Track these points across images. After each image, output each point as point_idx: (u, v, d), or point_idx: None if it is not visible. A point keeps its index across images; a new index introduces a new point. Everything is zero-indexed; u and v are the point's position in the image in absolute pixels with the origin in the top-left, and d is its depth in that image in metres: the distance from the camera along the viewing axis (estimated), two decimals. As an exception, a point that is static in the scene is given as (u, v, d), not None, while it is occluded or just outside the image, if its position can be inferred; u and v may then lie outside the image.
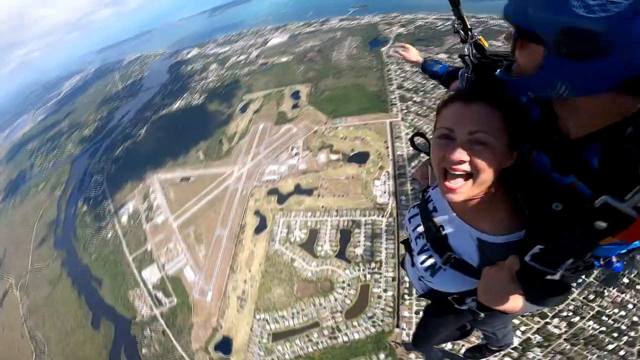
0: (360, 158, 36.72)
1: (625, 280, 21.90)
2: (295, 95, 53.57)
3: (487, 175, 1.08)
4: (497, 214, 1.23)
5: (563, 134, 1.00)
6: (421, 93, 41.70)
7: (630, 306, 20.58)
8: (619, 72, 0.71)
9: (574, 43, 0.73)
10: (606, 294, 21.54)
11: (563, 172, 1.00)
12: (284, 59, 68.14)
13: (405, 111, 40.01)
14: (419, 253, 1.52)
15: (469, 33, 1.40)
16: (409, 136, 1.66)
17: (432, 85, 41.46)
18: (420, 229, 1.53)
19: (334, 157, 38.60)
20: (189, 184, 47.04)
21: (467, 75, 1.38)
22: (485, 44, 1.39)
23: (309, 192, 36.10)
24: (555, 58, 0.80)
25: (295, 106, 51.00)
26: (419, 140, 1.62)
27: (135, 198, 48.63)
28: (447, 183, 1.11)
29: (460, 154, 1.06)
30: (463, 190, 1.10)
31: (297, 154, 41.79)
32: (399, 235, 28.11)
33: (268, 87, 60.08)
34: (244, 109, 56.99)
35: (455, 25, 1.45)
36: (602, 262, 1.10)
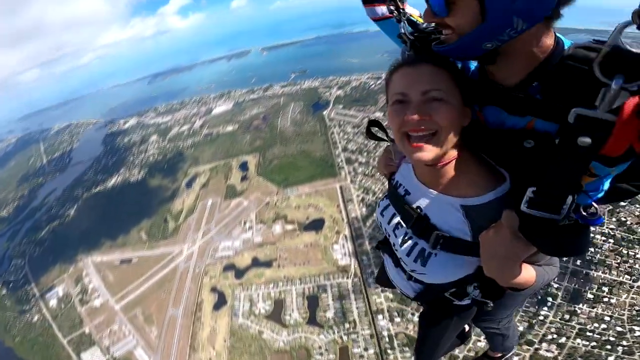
0: (316, 225, 38.51)
1: (590, 295, 23.88)
2: (244, 166, 54.82)
3: (450, 130, 1.11)
4: (473, 177, 1.24)
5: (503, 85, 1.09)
6: (365, 153, 45.76)
7: (607, 318, 22.22)
8: None
9: None
10: (579, 311, 23.29)
11: (520, 113, 1.06)
12: (230, 128, 70.47)
13: (352, 173, 43.37)
14: (402, 244, 1.40)
15: (402, 11, 1.47)
16: (365, 127, 1.63)
17: (374, 145, 45.68)
18: (397, 218, 1.45)
19: (289, 227, 39.84)
20: (131, 265, 44.79)
21: (407, 52, 1.44)
22: (419, 20, 1.49)
23: (268, 264, 36.98)
24: None
25: (244, 178, 51.96)
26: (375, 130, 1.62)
27: (65, 282, 45.63)
28: (413, 144, 1.13)
29: (420, 113, 1.09)
30: (430, 147, 1.12)
31: (250, 227, 42.31)
32: (367, 293, 29.16)
33: (215, 159, 60.82)
34: (189, 184, 56.38)
35: (389, 6, 1.51)
36: (584, 214, 1.01)
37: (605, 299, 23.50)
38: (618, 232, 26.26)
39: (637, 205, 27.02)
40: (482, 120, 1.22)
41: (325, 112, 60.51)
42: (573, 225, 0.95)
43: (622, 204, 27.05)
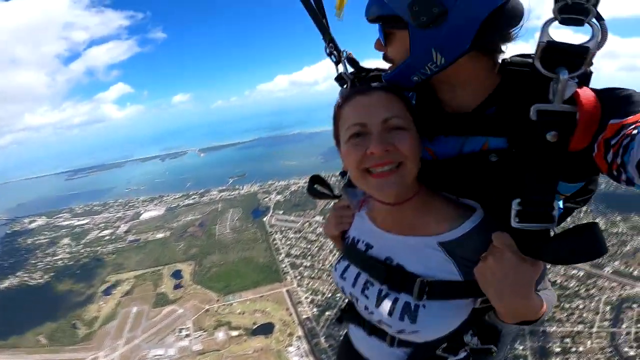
0: (265, 329, 39.66)
1: (557, 349, 29.33)
2: (177, 274, 54.67)
3: (414, 160, 1.10)
4: (440, 211, 1.22)
5: (453, 111, 1.20)
6: (309, 257, 50.74)
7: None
8: (466, 28, 0.97)
9: (423, 11, 0.97)
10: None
11: (478, 133, 1.14)
12: (160, 235, 70.38)
13: (299, 277, 46.99)
14: (378, 304, 1.22)
15: (341, 52, 1.58)
16: (307, 186, 1.65)
17: (317, 249, 51.67)
18: (363, 277, 1.31)
19: (234, 333, 40.14)
20: None
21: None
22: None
23: (212, 371, 35.69)
24: (419, 31, 1.01)
25: (178, 286, 51.60)
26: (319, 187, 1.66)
27: None
28: (377, 177, 1.10)
29: (384, 144, 1.05)
30: (394, 178, 1.08)
31: (187, 335, 41.45)
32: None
33: (141, 266, 59.45)
34: (108, 292, 53.76)
35: (328, 49, 1.60)
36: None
37: (573, 349, 28.83)
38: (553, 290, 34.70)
39: (559, 267, 32.67)
40: (432, 154, 1.28)
41: (265, 219, 65.71)
42: (583, 225, 0.92)
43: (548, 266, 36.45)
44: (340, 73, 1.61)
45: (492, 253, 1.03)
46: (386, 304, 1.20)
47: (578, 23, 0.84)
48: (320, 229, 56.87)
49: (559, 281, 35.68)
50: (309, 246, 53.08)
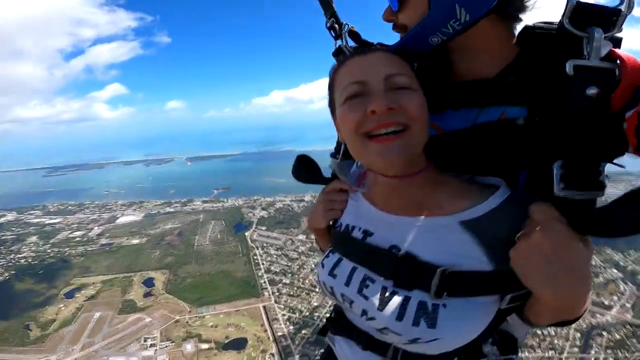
0: (238, 344, 38.32)
1: None
2: (149, 282, 52.62)
3: (421, 124, 0.94)
4: (457, 188, 1.02)
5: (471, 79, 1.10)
6: (289, 275, 49.92)
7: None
8: None
9: None
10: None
11: (497, 102, 1.05)
12: (135, 241, 68.26)
13: (277, 294, 46.09)
14: (382, 307, 0.96)
15: (342, 25, 1.46)
16: (293, 167, 1.47)
17: (298, 267, 51.05)
18: (360, 273, 1.05)
19: (204, 345, 38.61)
20: None
21: None
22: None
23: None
24: None
25: (148, 294, 49.54)
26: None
27: None
28: (380, 140, 0.92)
29: (387, 102, 0.89)
30: (399, 143, 0.91)
31: (153, 345, 39.65)
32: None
33: (111, 271, 57.16)
34: (70, 294, 51.28)
35: (328, 23, 1.49)
36: None
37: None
38: None
39: None
40: (439, 129, 1.17)
41: (247, 234, 64.68)
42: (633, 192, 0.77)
43: None
44: (340, 46, 1.46)
45: (537, 227, 0.81)
46: (393, 306, 0.95)
47: None
48: (302, 248, 56.41)
49: None
50: (289, 264, 52.36)
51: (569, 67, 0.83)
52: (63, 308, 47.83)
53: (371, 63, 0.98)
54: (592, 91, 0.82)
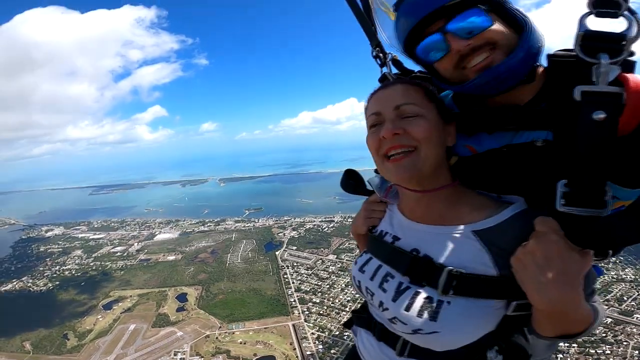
0: None
1: None
2: (182, 297, 54.30)
3: (428, 145, 1.08)
4: (477, 202, 1.16)
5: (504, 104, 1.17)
6: (319, 294, 49.84)
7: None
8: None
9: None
10: None
11: (531, 127, 1.12)
12: (171, 258, 70.92)
13: (307, 313, 45.98)
14: (396, 298, 1.13)
15: (386, 54, 1.61)
16: (341, 179, 1.64)
17: (328, 286, 50.88)
18: (384, 270, 1.23)
19: None
20: None
21: None
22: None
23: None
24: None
25: (181, 309, 51.06)
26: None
27: None
28: (392, 160, 1.11)
29: (393, 128, 1.08)
30: (410, 160, 1.08)
31: (182, 358, 40.58)
32: None
33: (147, 286, 59.56)
34: (108, 306, 53.85)
35: (374, 52, 1.65)
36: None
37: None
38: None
39: None
40: (473, 151, 1.27)
41: (278, 253, 65.47)
42: (629, 208, 0.88)
43: None
44: (385, 73, 1.64)
45: (534, 236, 0.93)
46: (404, 298, 1.11)
47: (612, 16, 0.89)
48: (332, 268, 56.37)
49: None
50: (319, 283, 52.24)
51: (576, 93, 0.89)
52: (101, 319, 50.18)
53: (387, 96, 1.18)
54: (599, 116, 0.86)
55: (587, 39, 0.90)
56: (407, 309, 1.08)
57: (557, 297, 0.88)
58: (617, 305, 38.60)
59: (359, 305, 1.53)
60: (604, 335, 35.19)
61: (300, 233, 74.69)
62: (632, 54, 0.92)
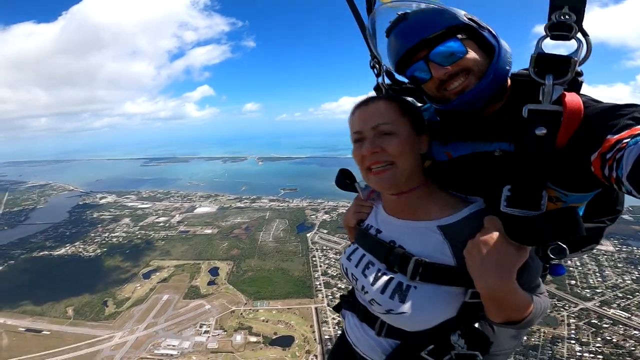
0: (284, 341, 39.05)
1: None
2: (214, 271, 56.32)
3: (404, 159, 1.26)
4: (444, 200, 1.36)
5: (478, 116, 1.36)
6: (345, 280, 48.69)
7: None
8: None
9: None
10: None
11: (493, 138, 1.31)
12: (208, 231, 73.62)
13: (330, 297, 45.89)
14: (374, 283, 1.32)
15: (382, 65, 1.80)
16: (336, 178, 1.80)
17: (354, 274, 49.87)
18: (367, 258, 1.44)
19: (253, 339, 40.00)
20: (38, 337, 42.74)
21: None
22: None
23: (220, 374, 35.09)
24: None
25: (211, 283, 53.02)
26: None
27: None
28: (373, 173, 1.29)
29: (372, 147, 1.26)
30: (388, 174, 1.27)
31: (207, 332, 42.07)
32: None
33: (184, 257, 62.30)
34: (148, 275, 56.76)
35: (372, 62, 1.87)
36: (551, 255, 1.14)
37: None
38: (606, 348, 32.55)
39: (620, 325, 35.01)
40: (450, 156, 1.47)
41: (309, 235, 65.83)
42: (557, 211, 1.01)
43: (605, 325, 35.13)
44: (378, 83, 1.87)
45: (481, 232, 1.12)
46: (381, 282, 1.31)
47: (564, 38, 1.03)
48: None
49: (615, 340, 33.82)
50: (347, 269, 51.79)
51: (524, 111, 1.07)
52: (139, 287, 53.14)
53: (366, 115, 1.33)
54: (541, 131, 1.02)
55: (539, 60, 1.05)
56: (382, 291, 1.29)
57: (494, 284, 1.07)
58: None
59: (347, 291, 1.74)
60: (632, 348, 32.94)
61: (332, 217, 74.28)
62: (579, 74, 1.09)
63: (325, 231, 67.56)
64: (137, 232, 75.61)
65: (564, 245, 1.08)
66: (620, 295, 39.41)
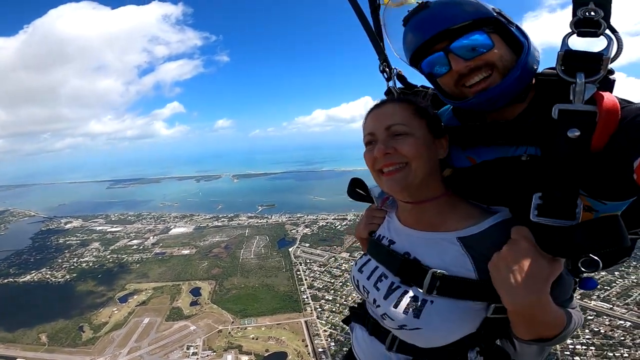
0: (278, 358, 38.68)
1: None
2: (196, 291, 54.98)
3: (418, 160, 1.18)
4: (464, 211, 1.26)
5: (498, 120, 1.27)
6: (332, 291, 49.80)
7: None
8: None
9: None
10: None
11: (519, 142, 1.21)
12: (186, 252, 71.89)
13: (319, 310, 46.01)
14: (386, 296, 1.24)
15: (392, 69, 1.74)
16: (348, 188, 1.71)
17: (341, 284, 50.71)
18: (380, 270, 1.36)
19: (244, 358, 39.33)
20: None
21: None
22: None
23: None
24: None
25: (194, 303, 51.73)
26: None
27: None
28: (385, 175, 1.22)
29: (385, 148, 1.19)
30: (401, 175, 1.19)
31: (195, 353, 40.99)
32: None
33: (162, 279, 60.47)
34: (124, 299, 54.95)
35: (381, 66, 1.78)
36: (582, 268, 1.00)
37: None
38: (596, 339, 34.31)
39: (605, 316, 36.88)
40: (473, 161, 1.36)
41: (291, 249, 65.72)
42: (598, 220, 0.92)
43: (590, 317, 36.65)
44: (390, 87, 1.79)
45: (509, 243, 1.03)
46: (394, 296, 1.23)
47: (593, 35, 0.96)
48: (345, 265, 56.02)
49: (602, 331, 35.94)
50: (332, 280, 52.22)
51: (554, 111, 0.98)
52: (116, 311, 51.16)
53: (379, 116, 1.28)
54: (574, 133, 0.94)
55: (567, 58, 0.98)
56: (395, 306, 1.20)
57: (525, 300, 0.96)
58: (636, 309, 38.20)
59: (357, 304, 1.63)
60: (622, 338, 35.06)
61: (313, 230, 74.79)
62: (611, 72, 1.02)
63: (307, 245, 67.76)
64: (108, 256, 72.70)
65: (597, 258, 0.97)
66: (599, 287, 41.00)
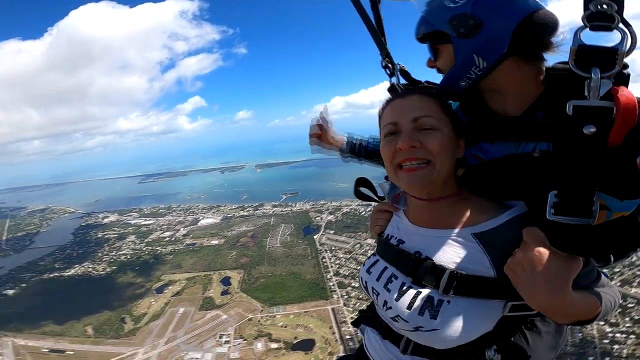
0: (306, 345, 39.27)
1: None
2: (226, 281, 56.55)
3: (443, 159, 1.14)
4: (479, 205, 1.23)
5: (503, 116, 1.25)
6: (358, 278, 49.10)
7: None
8: (500, 35, 1.09)
9: (461, 24, 1.12)
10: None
11: (526, 138, 1.18)
12: (215, 242, 73.76)
13: (346, 297, 46.30)
14: (399, 298, 1.18)
15: (395, 65, 1.75)
16: (353, 187, 1.68)
17: (367, 272, 50.33)
18: (389, 271, 1.29)
19: (274, 345, 40.17)
20: (63, 357, 43.65)
21: None
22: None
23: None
24: (461, 40, 1.15)
25: (225, 292, 53.28)
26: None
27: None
28: (405, 170, 1.17)
29: (411, 140, 1.12)
30: (423, 173, 1.14)
31: (227, 342, 42.24)
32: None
33: (194, 269, 62.52)
34: (160, 290, 57.12)
35: (383, 62, 1.78)
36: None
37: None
38: (637, 327, 32.89)
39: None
40: (481, 160, 1.33)
41: (316, 237, 66.08)
42: (617, 220, 0.95)
43: (631, 305, 34.97)
44: (393, 83, 1.76)
45: (522, 247, 1.01)
46: (407, 297, 1.16)
47: (606, 29, 0.93)
48: (371, 252, 55.13)
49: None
50: (358, 267, 50.97)
51: (568, 107, 0.96)
52: (153, 302, 53.40)
53: (405, 106, 1.21)
54: (589, 130, 0.92)
55: (581, 53, 0.95)
56: (409, 307, 1.14)
57: (548, 301, 0.97)
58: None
59: (367, 306, 1.58)
60: None
61: (337, 217, 74.66)
62: (625, 67, 0.99)
63: (332, 232, 67.80)
64: (144, 249, 75.66)
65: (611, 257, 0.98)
66: (639, 273, 39.29)
